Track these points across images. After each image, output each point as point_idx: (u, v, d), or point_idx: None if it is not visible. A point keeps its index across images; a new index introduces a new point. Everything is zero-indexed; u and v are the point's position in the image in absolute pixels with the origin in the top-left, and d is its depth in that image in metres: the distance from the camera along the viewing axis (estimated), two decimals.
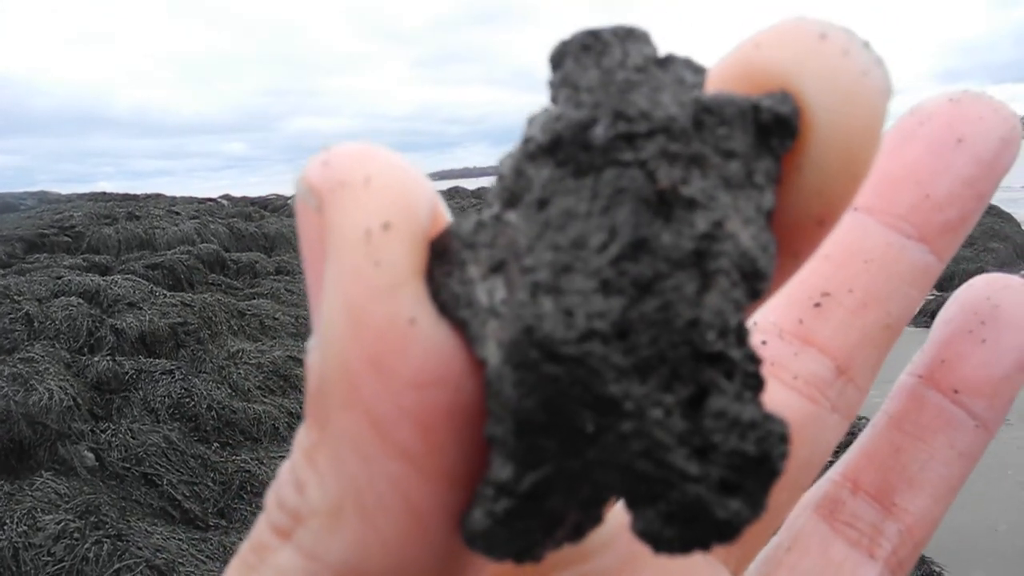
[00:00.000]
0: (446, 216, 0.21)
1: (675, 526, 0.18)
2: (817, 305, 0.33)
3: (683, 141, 0.18)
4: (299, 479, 0.20)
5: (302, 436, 0.21)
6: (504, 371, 0.17)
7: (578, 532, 0.20)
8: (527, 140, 0.19)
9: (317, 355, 0.20)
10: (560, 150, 0.18)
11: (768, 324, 0.34)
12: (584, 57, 0.19)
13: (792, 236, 0.21)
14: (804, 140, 0.20)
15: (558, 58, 0.20)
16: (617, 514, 0.30)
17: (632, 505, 0.18)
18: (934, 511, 0.37)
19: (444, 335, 0.19)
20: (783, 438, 0.18)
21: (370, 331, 0.18)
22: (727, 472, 0.17)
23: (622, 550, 0.31)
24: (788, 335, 0.33)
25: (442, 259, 0.19)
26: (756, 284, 0.18)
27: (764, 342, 0.33)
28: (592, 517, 0.20)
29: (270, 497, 0.22)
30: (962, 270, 11.11)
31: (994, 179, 0.32)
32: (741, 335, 0.18)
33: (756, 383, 0.18)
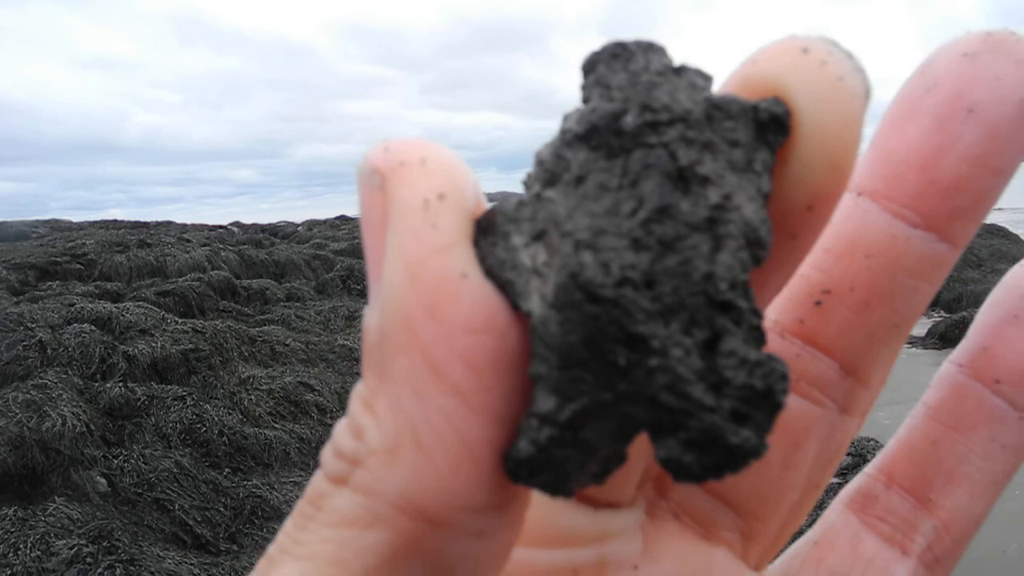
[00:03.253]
0: (486, 203, 0.24)
1: (693, 452, 0.20)
2: (818, 304, 0.32)
3: (698, 129, 0.21)
4: (357, 425, 0.23)
5: (359, 389, 0.23)
6: (550, 314, 0.20)
7: (605, 469, 0.23)
8: (564, 131, 0.22)
9: (377, 313, 0.22)
10: (594, 136, 0.21)
11: (769, 323, 0.32)
12: (614, 63, 0.23)
13: (788, 219, 0.24)
14: (792, 136, 0.23)
15: (590, 65, 0.23)
16: (638, 510, 0.32)
17: (655, 436, 0.21)
18: (974, 507, 0.35)
19: (491, 289, 0.22)
20: (784, 376, 0.20)
21: (427, 283, 0.21)
22: (738, 403, 0.20)
23: (642, 540, 0.32)
24: (789, 335, 0.32)
25: (487, 232, 0.22)
26: (758, 251, 0.21)
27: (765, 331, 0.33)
28: (618, 454, 0.22)
29: (326, 452, 0.24)
30: (970, 291, 11.08)
31: (1014, 151, 0.28)
32: (747, 292, 0.21)
33: (759, 335, 0.21)
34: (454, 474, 0.22)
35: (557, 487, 0.22)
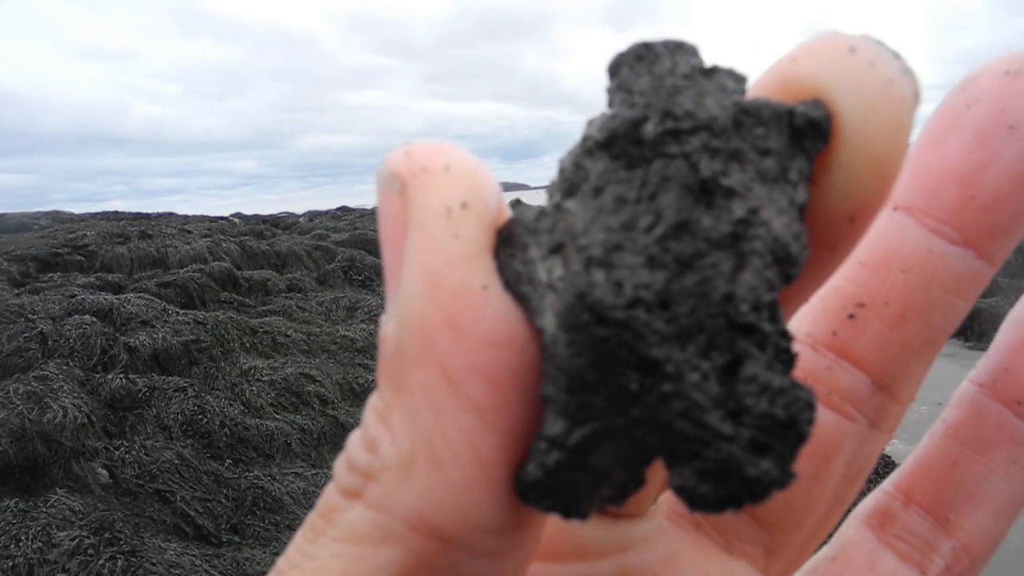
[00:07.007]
0: (508, 211, 0.23)
1: (709, 483, 0.19)
2: (852, 317, 0.31)
3: (723, 138, 0.20)
4: (371, 438, 0.22)
5: (374, 401, 0.23)
6: (558, 334, 0.19)
7: (622, 493, 0.22)
8: (585, 138, 0.21)
9: (394, 322, 0.21)
10: (614, 145, 0.20)
11: (801, 334, 0.32)
12: (638, 66, 0.22)
13: (827, 231, 0.22)
14: (835, 143, 0.21)
15: (615, 68, 0.22)
16: (658, 517, 0.31)
17: (670, 463, 0.20)
18: (993, 528, 0.35)
19: (511, 303, 0.21)
20: (810, 405, 0.19)
21: (447, 294, 0.20)
22: (758, 433, 0.19)
23: (662, 549, 0.31)
24: (822, 347, 0.32)
25: (507, 243, 0.21)
26: (788, 268, 0.20)
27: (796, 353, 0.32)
28: (634, 478, 0.21)
29: (339, 464, 0.23)
30: None
31: None
32: (774, 313, 0.19)
33: (788, 358, 0.19)
34: (469, 492, 0.21)
35: (568, 510, 0.21)
